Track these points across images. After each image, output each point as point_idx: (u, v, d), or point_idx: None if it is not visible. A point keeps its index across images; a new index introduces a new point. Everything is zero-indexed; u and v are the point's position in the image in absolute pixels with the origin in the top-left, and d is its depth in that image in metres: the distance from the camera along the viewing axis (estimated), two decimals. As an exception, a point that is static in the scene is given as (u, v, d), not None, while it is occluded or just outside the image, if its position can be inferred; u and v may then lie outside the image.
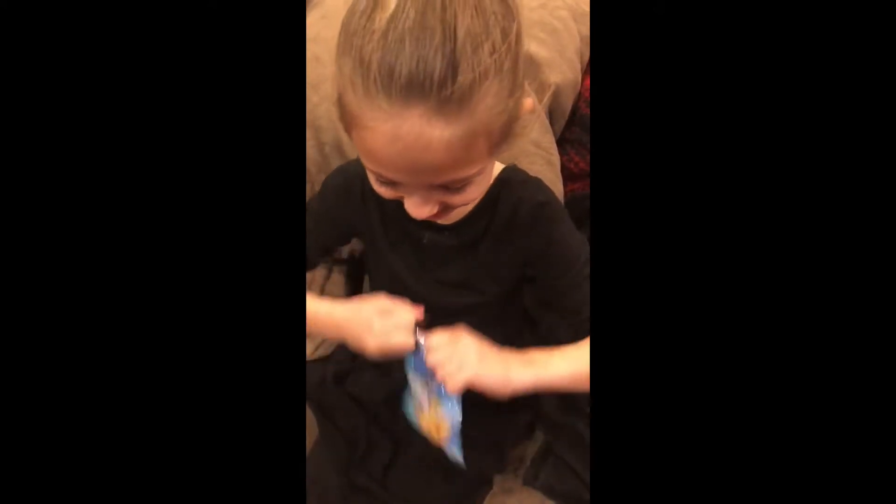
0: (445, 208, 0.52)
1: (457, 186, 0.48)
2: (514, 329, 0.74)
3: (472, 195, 0.51)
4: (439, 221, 0.60)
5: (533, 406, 0.79)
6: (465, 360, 0.56)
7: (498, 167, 0.63)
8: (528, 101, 0.49)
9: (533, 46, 0.73)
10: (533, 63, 0.73)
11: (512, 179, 0.63)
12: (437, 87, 0.40)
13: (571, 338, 0.62)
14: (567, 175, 0.84)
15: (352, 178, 0.65)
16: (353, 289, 0.92)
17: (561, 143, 0.85)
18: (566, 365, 0.59)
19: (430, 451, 0.71)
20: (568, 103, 0.83)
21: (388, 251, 0.67)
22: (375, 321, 0.59)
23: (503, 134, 0.47)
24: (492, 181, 0.61)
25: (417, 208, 0.50)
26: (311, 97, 0.78)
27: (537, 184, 0.64)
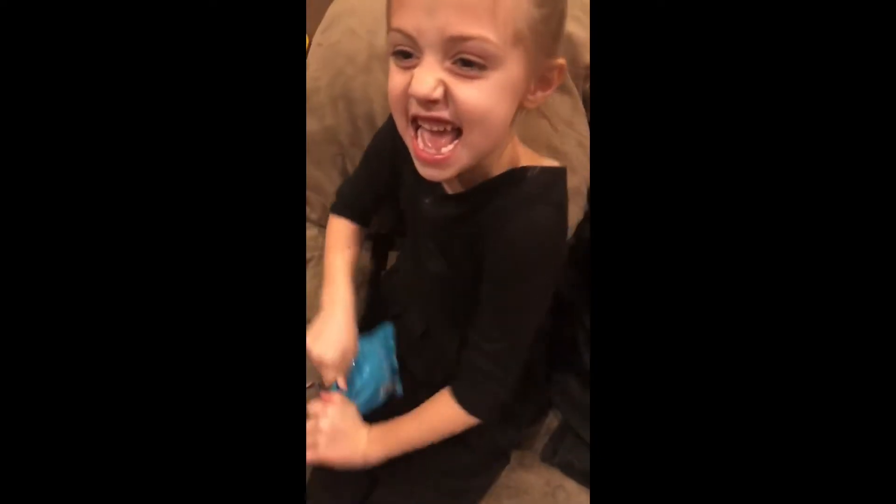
0: (449, 108, 0.51)
1: (470, 54, 0.48)
2: None
3: (480, 101, 0.50)
4: (431, 179, 0.58)
5: (546, 386, 0.81)
6: (316, 440, 0.64)
7: (530, 157, 0.63)
8: (560, 60, 0.54)
9: (571, 26, 0.73)
10: (571, 43, 0.73)
11: (528, 179, 0.60)
12: None
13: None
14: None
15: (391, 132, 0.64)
16: (379, 265, 0.93)
17: (591, 126, 0.85)
18: (409, 438, 0.66)
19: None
20: (600, 86, 0.83)
21: (413, 209, 0.69)
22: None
23: (529, 34, 0.49)
24: (516, 163, 0.61)
25: (422, 83, 0.49)
26: (346, 69, 0.79)
27: (547, 199, 0.60)
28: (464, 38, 0.47)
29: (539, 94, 0.55)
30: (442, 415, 0.66)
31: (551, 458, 0.78)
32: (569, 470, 0.77)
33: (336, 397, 0.66)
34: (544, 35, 0.50)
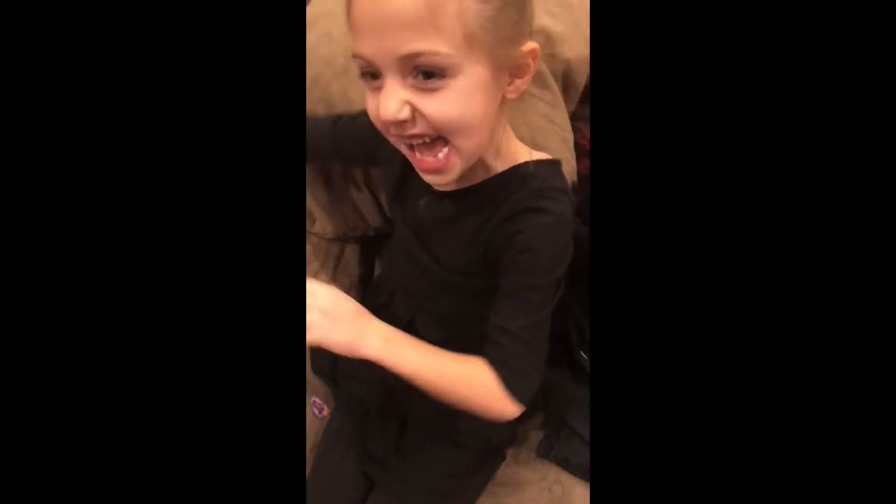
0: (421, 123, 0.50)
1: (426, 67, 0.48)
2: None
3: (448, 111, 0.50)
4: (436, 185, 0.60)
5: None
6: (314, 321, 0.55)
7: (526, 153, 0.62)
8: (531, 44, 0.52)
9: (546, 20, 0.73)
10: (548, 38, 0.73)
11: (533, 173, 0.60)
12: None
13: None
14: (581, 152, 0.84)
15: None
16: (367, 268, 0.92)
17: (573, 119, 0.85)
18: (416, 360, 0.58)
19: (441, 422, 0.72)
20: (581, 79, 0.83)
21: (404, 207, 0.68)
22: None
23: (482, 32, 0.48)
24: (513, 162, 0.60)
25: (386, 108, 0.49)
26: (325, 73, 0.78)
27: (555, 190, 0.59)
28: (413, 55, 0.47)
29: (517, 82, 0.54)
30: (468, 381, 0.59)
31: (547, 453, 0.78)
32: (565, 465, 0.77)
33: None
34: (502, 28, 0.49)
